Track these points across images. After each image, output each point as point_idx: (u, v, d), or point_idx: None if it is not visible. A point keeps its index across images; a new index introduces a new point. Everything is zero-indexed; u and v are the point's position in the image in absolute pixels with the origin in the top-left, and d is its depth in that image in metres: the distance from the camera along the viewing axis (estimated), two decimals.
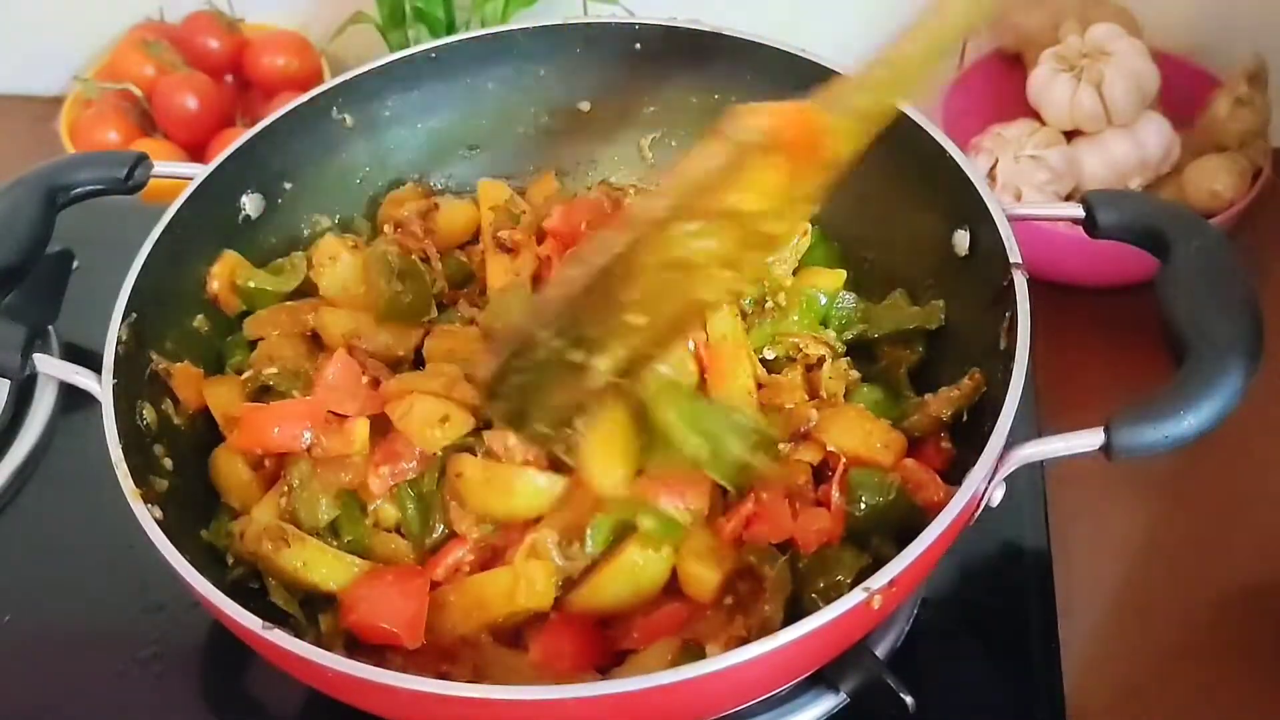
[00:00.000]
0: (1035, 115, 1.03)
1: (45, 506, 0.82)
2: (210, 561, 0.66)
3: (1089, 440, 0.57)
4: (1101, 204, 0.66)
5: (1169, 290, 0.60)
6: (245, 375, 0.71)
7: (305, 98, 0.80)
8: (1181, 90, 1.02)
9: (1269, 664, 0.78)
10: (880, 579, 0.54)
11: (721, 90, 0.83)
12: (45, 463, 0.84)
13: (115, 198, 0.75)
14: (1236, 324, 0.58)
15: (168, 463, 0.67)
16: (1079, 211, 0.67)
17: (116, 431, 0.62)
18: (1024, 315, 0.62)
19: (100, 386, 0.64)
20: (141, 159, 0.75)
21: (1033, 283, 0.64)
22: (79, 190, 0.74)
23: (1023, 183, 0.98)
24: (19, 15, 1.23)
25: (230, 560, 0.66)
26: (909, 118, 0.73)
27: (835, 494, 0.63)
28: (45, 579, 0.78)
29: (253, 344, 0.75)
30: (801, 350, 0.72)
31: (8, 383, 0.86)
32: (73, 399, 0.86)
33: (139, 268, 0.69)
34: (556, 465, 0.65)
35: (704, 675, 0.52)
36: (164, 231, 0.71)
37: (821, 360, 0.72)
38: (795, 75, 0.79)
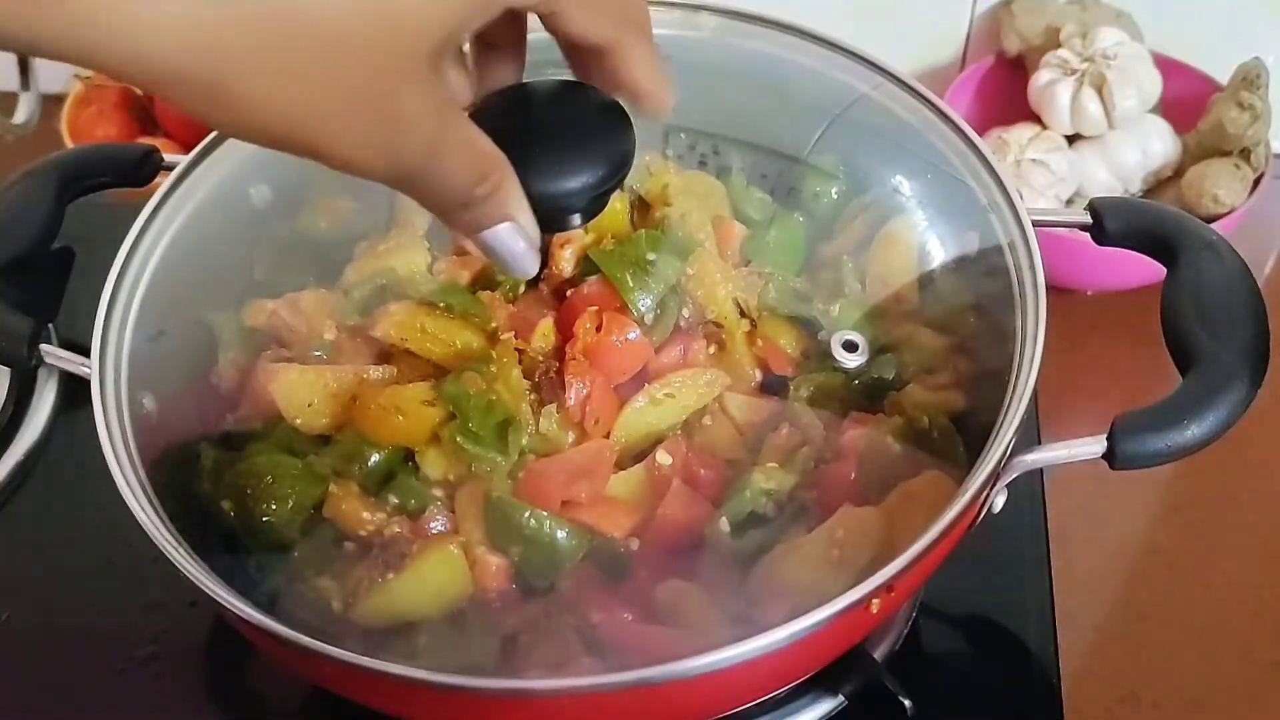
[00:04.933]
0: (1036, 119, 1.03)
1: (45, 504, 0.82)
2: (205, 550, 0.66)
3: (1092, 448, 0.57)
4: (1109, 211, 0.66)
5: (1176, 298, 0.60)
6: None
7: None
8: (1183, 94, 1.03)
9: (1268, 665, 0.78)
10: (875, 582, 0.54)
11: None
12: (45, 460, 0.84)
13: (118, 195, 0.75)
14: (1244, 334, 0.58)
15: None
16: (1086, 218, 0.67)
17: (116, 418, 0.62)
18: (1034, 325, 0.62)
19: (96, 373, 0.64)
20: (151, 152, 0.74)
21: None
22: (89, 182, 0.73)
23: (1024, 187, 0.98)
24: None
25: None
26: None
27: None
28: (44, 577, 0.78)
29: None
30: None
31: (7, 380, 0.86)
32: (73, 396, 0.86)
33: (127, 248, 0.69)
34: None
35: (699, 675, 0.52)
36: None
37: None
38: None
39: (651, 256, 0.67)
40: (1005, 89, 1.07)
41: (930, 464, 0.63)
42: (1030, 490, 0.78)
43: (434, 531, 0.62)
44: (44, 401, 0.86)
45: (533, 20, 0.46)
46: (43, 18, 0.34)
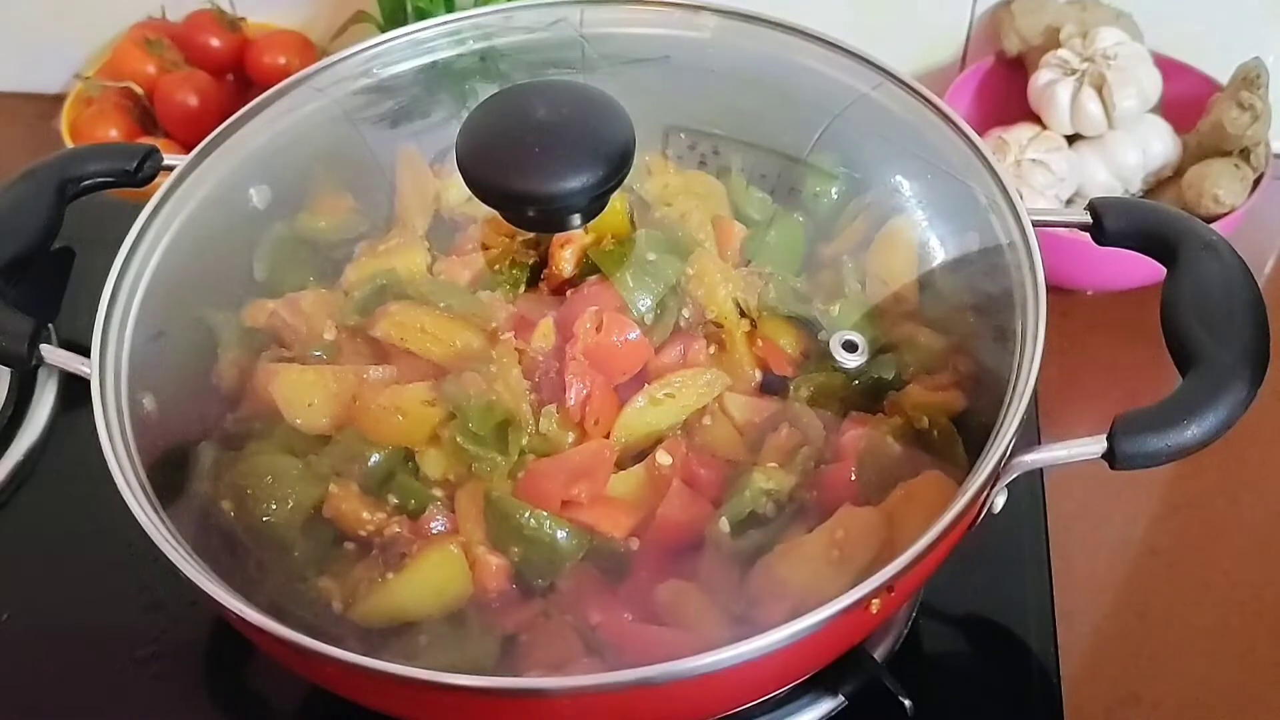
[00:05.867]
0: (1036, 119, 1.03)
1: (45, 504, 0.82)
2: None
3: (1092, 448, 0.57)
4: (1109, 211, 0.66)
5: (1176, 298, 0.60)
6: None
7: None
8: (1183, 94, 1.03)
9: (1269, 665, 0.78)
10: (875, 582, 0.54)
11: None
12: (45, 460, 0.84)
13: (117, 197, 0.75)
14: (1244, 334, 0.58)
15: None
16: (1086, 218, 0.66)
17: (116, 418, 0.62)
18: (1034, 325, 0.62)
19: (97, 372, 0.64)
20: (152, 152, 0.74)
21: None
22: (89, 182, 0.73)
23: (1024, 186, 0.98)
24: (20, 12, 1.23)
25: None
26: None
27: None
28: (44, 577, 0.78)
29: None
30: None
31: (7, 380, 0.86)
32: (73, 396, 0.86)
33: (127, 248, 0.69)
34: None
35: (699, 675, 0.52)
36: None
37: None
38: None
39: (651, 256, 0.67)
40: (1005, 89, 1.07)
41: (930, 464, 0.62)
42: (1030, 490, 0.78)
43: (434, 531, 0.62)
44: (44, 401, 0.86)
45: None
46: None
